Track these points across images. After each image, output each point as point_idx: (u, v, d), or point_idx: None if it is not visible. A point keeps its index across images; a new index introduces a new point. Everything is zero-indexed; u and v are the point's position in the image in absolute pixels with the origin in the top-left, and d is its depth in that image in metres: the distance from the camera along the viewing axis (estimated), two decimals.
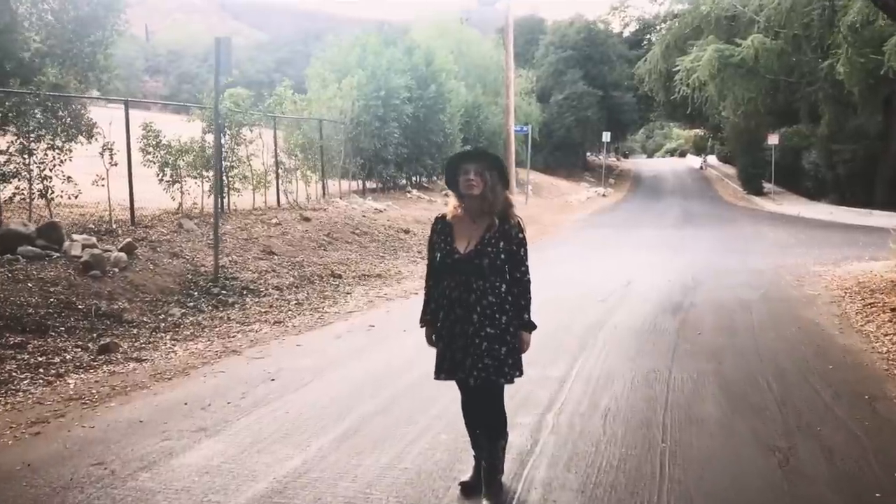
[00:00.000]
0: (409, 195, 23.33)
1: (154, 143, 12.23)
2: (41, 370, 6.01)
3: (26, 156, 9.89)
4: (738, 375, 6.12)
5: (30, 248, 8.45)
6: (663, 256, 14.36)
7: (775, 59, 25.57)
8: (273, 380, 5.98)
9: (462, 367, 3.61)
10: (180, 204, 12.46)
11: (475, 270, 3.57)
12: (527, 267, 3.66)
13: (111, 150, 10.92)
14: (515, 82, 29.49)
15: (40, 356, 6.28)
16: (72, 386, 5.73)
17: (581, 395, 5.53)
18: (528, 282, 3.67)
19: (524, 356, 3.72)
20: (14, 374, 5.86)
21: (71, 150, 10.49)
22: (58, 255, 8.57)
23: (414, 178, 25.83)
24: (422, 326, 3.83)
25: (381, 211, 17.93)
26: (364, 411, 5.15)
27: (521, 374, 3.71)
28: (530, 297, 3.68)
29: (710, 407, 5.28)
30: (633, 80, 38.89)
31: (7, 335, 6.51)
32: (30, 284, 7.57)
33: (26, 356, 6.24)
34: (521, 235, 3.63)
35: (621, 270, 12.36)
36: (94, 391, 5.60)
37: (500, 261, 3.57)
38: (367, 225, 15.79)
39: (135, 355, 6.65)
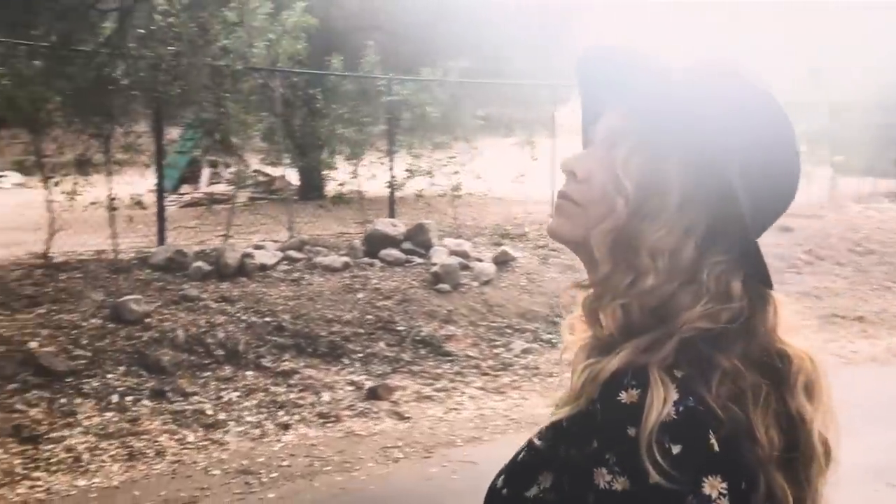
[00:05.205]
0: None
1: None
2: (281, 412, 4.90)
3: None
4: None
5: (393, 251, 7.61)
6: None
7: None
8: None
9: None
10: None
11: None
12: None
13: (532, 143, 9.72)
14: None
15: (299, 391, 5.18)
16: (258, 449, 4.44)
17: None
18: None
19: None
20: (241, 410, 4.85)
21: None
22: (421, 260, 7.57)
23: None
24: None
25: None
26: None
27: None
28: None
29: None
30: None
31: (286, 358, 5.59)
32: (359, 296, 6.64)
33: (271, 382, 5.20)
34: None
35: None
36: (273, 464, 4.21)
37: None
38: (880, 240, 11.55)
39: (404, 408, 5.12)
